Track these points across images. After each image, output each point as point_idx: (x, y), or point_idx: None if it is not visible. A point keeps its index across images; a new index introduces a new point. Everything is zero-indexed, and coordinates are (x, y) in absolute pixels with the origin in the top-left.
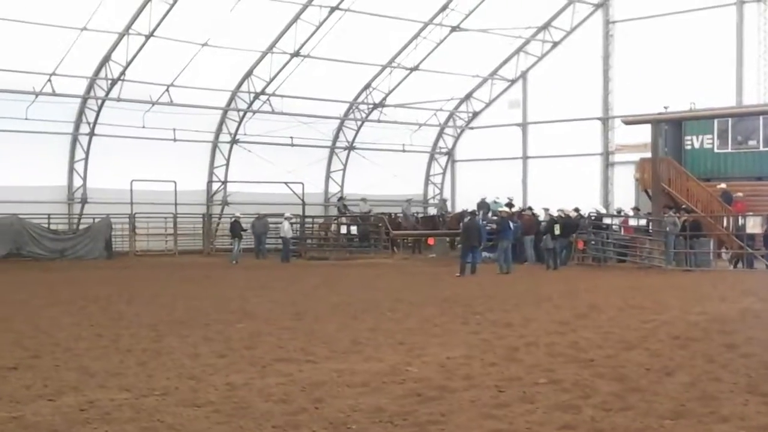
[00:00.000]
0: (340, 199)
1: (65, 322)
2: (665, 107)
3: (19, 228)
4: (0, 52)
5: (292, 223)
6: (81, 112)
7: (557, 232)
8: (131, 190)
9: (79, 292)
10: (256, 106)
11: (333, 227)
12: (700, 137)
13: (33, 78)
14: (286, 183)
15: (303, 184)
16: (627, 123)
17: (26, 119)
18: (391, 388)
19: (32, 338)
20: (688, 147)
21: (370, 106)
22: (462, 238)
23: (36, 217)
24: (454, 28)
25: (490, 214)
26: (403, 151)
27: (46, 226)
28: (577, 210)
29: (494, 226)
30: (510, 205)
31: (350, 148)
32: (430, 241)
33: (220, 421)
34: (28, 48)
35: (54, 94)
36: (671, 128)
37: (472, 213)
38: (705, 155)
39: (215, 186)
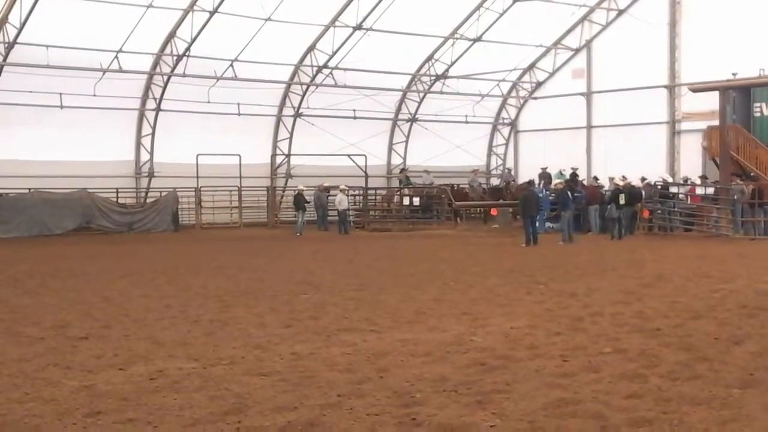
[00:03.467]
0: (403, 170)
1: (134, 294)
2: (733, 74)
3: (89, 202)
4: (68, 31)
5: (347, 195)
6: (147, 88)
7: (622, 201)
8: (197, 163)
9: (148, 264)
10: (319, 79)
11: (396, 199)
12: None
13: (100, 55)
14: (349, 155)
15: (366, 157)
16: (694, 90)
17: (94, 96)
18: (455, 358)
19: (102, 309)
20: (757, 114)
21: (433, 78)
22: (520, 208)
23: (105, 191)
24: None
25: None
26: (466, 122)
27: (115, 200)
28: (643, 179)
29: (553, 196)
30: (575, 175)
31: (413, 120)
32: (493, 211)
33: (285, 390)
34: (95, 26)
35: (121, 70)
36: (739, 95)
37: (530, 183)
38: None
39: (279, 159)
